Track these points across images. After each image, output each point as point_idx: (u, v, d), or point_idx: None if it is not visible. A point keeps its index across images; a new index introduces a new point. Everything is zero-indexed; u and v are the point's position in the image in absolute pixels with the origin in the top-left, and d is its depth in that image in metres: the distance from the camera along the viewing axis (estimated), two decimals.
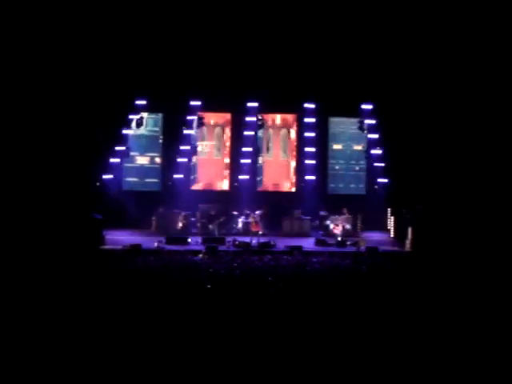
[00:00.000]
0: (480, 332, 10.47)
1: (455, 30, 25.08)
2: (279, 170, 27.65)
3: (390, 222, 25.51)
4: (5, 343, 9.85)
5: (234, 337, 10.11)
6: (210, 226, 24.69)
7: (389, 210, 25.83)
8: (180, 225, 24.90)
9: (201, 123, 26.73)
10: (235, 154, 27.05)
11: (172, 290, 13.59)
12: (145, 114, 26.64)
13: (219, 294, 13.01)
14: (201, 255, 19.60)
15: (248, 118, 26.65)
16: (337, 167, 27.44)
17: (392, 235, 25.10)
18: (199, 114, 26.64)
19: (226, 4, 25.49)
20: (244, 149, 26.56)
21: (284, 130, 27.64)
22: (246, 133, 26.64)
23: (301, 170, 27.07)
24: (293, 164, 27.50)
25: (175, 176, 26.19)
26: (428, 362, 9.18)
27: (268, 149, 27.46)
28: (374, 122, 26.38)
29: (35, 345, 9.78)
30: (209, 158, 27.51)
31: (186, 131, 26.40)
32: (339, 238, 23.38)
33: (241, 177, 26.45)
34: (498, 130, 25.12)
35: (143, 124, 26.61)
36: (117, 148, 25.88)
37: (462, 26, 25.00)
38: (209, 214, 25.08)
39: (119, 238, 23.18)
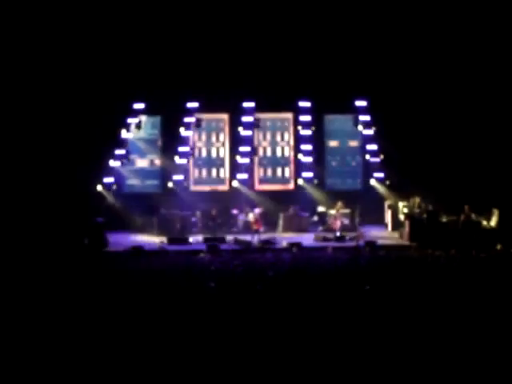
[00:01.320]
0: (480, 324, 10.58)
1: (448, 24, 25.33)
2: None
3: (387, 216, 25.82)
4: (5, 344, 10.03)
5: (236, 333, 10.32)
6: (211, 225, 24.98)
7: (386, 203, 26.13)
8: (181, 225, 25.17)
9: (199, 124, 27.06)
10: (233, 154, 27.40)
11: (175, 289, 13.75)
12: (143, 117, 26.99)
13: (222, 292, 13.20)
14: (202, 254, 19.88)
15: (244, 118, 26.97)
16: (333, 163, 27.77)
17: (389, 229, 25.42)
18: (197, 115, 26.97)
19: (221, 6, 25.75)
20: (241, 148, 26.90)
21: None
22: (242, 133, 26.98)
23: (298, 167, 27.41)
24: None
25: (175, 177, 26.53)
26: (430, 357, 9.32)
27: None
28: (368, 117, 26.71)
29: (35, 346, 9.91)
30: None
31: (184, 133, 26.74)
32: (338, 233, 23.71)
33: (239, 176, 26.77)
34: (492, 123, 25.36)
35: (142, 127, 26.96)
36: (116, 151, 26.22)
37: (454, 21, 25.25)
38: (209, 214, 25.40)
39: (121, 240, 23.53)
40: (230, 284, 14.02)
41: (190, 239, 23.40)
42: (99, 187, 25.75)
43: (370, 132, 26.65)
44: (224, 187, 27.63)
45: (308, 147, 26.93)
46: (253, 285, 13.70)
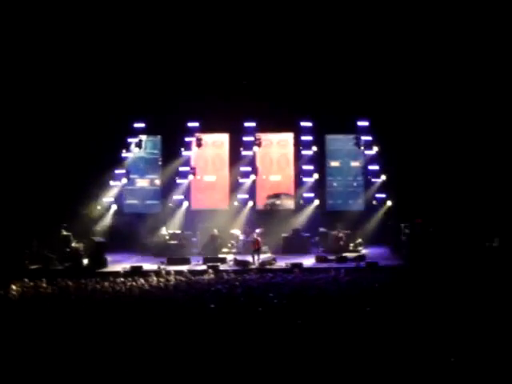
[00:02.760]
0: (478, 343, 10.57)
1: (447, 45, 25.33)
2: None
3: (389, 237, 25.64)
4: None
5: (236, 355, 10.27)
6: (211, 246, 24.82)
7: (387, 224, 25.98)
8: (181, 245, 25.01)
9: (199, 144, 27.01)
10: (233, 174, 27.34)
11: (175, 309, 13.72)
12: (143, 137, 26.94)
13: (222, 314, 13.14)
14: (206, 276, 19.74)
15: (245, 138, 26.93)
16: (335, 184, 27.67)
17: (391, 249, 25.27)
18: (197, 135, 26.94)
19: (220, 26, 25.74)
20: (242, 168, 26.85)
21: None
22: (243, 152, 26.94)
23: (299, 187, 27.31)
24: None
25: (175, 197, 26.47)
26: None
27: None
28: (370, 138, 26.65)
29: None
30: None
31: (184, 152, 26.70)
32: (339, 254, 23.54)
33: (240, 196, 26.71)
34: (494, 146, 25.32)
35: (142, 147, 26.90)
36: (117, 171, 26.18)
37: (452, 42, 25.26)
38: (209, 234, 25.28)
39: (121, 260, 23.42)
40: (230, 306, 13.95)
41: (190, 259, 23.23)
42: (99, 207, 25.69)
43: (372, 152, 26.58)
44: (225, 207, 27.48)
45: (309, 167, 26.89)
46: (253, 307, 13.62)
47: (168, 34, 25.81)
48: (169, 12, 25.26)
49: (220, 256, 23.78)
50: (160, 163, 27.48)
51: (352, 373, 9.42)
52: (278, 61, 26.15)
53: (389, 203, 26.16)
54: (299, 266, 21.48)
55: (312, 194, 26.75)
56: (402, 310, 13.25)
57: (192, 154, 27.02)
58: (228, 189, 27.55)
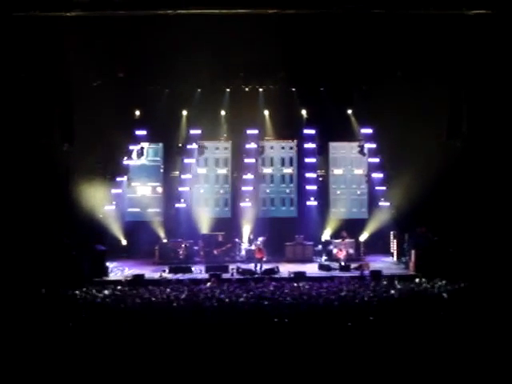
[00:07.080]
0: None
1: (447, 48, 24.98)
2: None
3: (393, 246, 25.50)
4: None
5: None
6: (214, 254, 24.65)
7: (391, 233, 25.80)
8: (183, 254, 24.84)
9: (201, 151, 26.86)
10: (236, 181, 27.14)
11: (177, 321, 13.57)
12: (145, 144, 26.75)
13: (224, 324, 13.00)
14: (209, 283, 19.66)
15: (248, 146, 26.75)
16: (338, 192, 27.46)
17: (395, 258, 25.08)
18: (199, 142, 26.79)
19: (220, 29, 25.47)
20: (245, 176, 26.66)
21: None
22: (246, 160, 26.76)
23: (302, 195, 27.12)
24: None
25: (177, 205, 26.32)
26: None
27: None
28: (374, 145, 26.47)
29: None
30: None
31: (186, 160, 26.54)
32: (342, 263, 23.35)
33: (242, 204, 26.54)
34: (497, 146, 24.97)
35: (144, 154, 26.73)
36: (118, 179, 26.00)
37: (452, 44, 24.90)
38: (211, 243, 25.11)
39: (122, 269, 23.25)
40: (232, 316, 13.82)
41: (192, 268, 23.04)
42: (101, 215, 25.46)
43: (376, 160, 26.41)
44: (227, 215, 27.27)
45: (312, 175, 26.73)
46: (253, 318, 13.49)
47: (166, 40, 25.42)
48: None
49: (222, 265, 23.53)
50: (162, 170, 27.29)
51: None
52: (279, 65, 25.78)
53: (392, 211, 25.95)
54: (302, 274, 21.29)
55: (315, 202, 26.57)
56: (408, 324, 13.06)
57: (194, 161, 26.83)
58: (230, 197, 27.32)
